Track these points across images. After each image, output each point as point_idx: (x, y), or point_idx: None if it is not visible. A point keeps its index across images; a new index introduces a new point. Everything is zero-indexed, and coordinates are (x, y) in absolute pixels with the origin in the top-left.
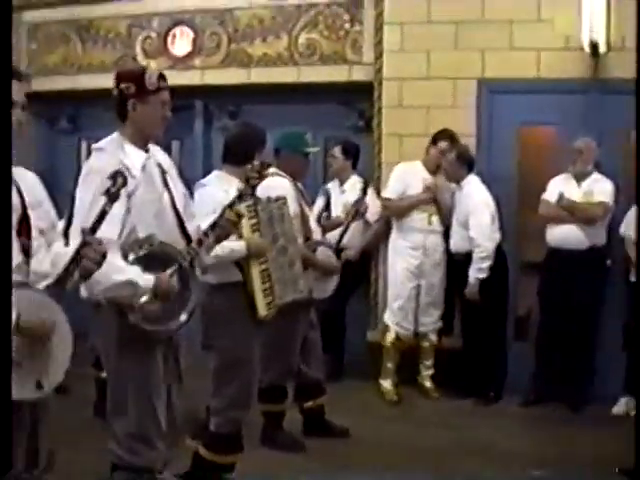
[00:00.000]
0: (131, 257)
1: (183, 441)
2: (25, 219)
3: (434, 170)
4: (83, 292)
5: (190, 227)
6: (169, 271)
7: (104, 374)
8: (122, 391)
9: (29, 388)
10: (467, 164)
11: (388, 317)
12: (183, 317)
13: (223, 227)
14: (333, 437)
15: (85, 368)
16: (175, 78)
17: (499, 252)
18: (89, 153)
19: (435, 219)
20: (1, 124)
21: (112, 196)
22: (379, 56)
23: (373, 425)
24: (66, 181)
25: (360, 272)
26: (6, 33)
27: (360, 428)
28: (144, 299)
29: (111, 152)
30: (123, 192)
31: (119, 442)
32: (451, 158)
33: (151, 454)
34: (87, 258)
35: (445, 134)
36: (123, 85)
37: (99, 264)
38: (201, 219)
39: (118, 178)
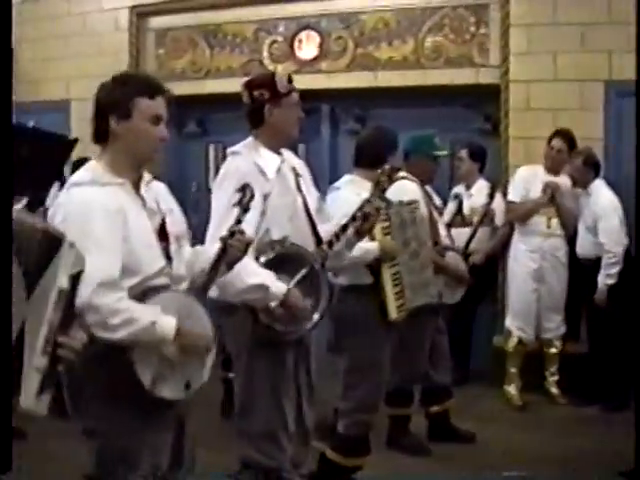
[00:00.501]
0: (264, 259)
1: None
2: (163, 224)
3: (555, 173)
4: (213, 293)
5: (322, 230)
6: (296, 278)
7: (232, 374)
8: (252, 391)
9: (179, 389)
10: (594, 169)
11: (510, 321)
12: (315, 318)
13: (363, 218)
14: (458, 442)
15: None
16: (301, 82)
17: (627, 256)
18: (217, 156)
19: (554, 222)
20: (1, 124)
21: (244, 207)
22: (505, 58)
23: (498, 431)
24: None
25: (487, 277)
26: (6, 33)
27: (485, 434)
28: (273, 304)
29: (246, 156)
30: (258, 195)
31: (248, 442)
32: (577, 163)
33: (280, 455)
34: (233, 247)
35: (559, 133)
36: (256, 92)
37: (244, 252)
38: (335, 222)
39: (247, 190)
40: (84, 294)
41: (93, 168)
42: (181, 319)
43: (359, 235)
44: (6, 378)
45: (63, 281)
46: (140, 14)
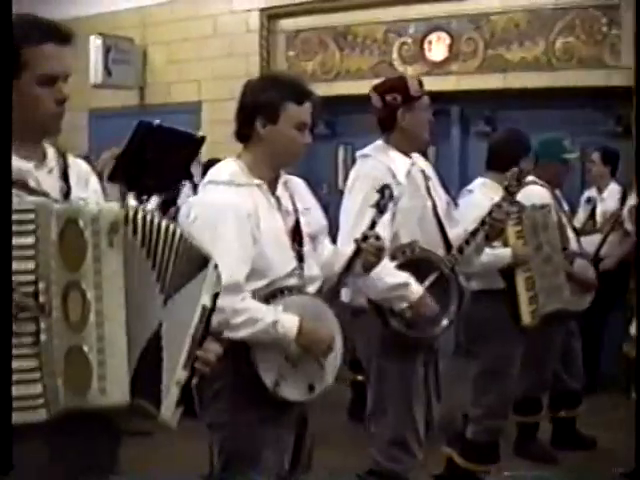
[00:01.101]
0: (394, 262)
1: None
2: (297, 225)
3: None
4: (345, 296)
5: (451, 235)
6: (426, 282)
7: (360, 377)
8: (383, 396)
9: (301, 390)
10: None
11: (634, 328)
12: (444, 323)
13: (491, 225)
14: (582, 449)
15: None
16: (431, 84)
17: None
18: (346, 158)
19: None
20: (1, 124)
21: (381, 208)
22: (638, 60)
23: (625, 440)
24: (323, 188)
25: (619, 283)
26: (6, 33)
27: (611, 443)
28: (404, 305)
29: (377, 158)
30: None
31: (378, 447)
32: None
33: (409, 461)
34: (368, 252)
35: None
36: (388, 96)
37: (378, 257)
38: (467, 224)
39: (386, 191)
40: None
41: (232, 167)
42: (305, 319)
43: (489, 241)
44: (6, 378)
45: (207, 300)
46: (271, 16)
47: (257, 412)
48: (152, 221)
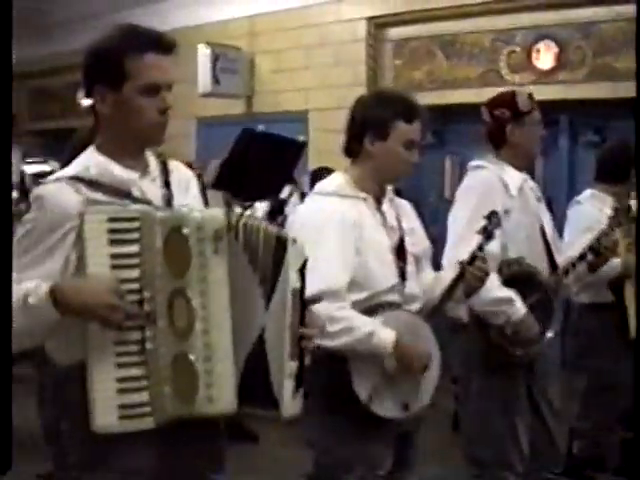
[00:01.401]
0: (499, 276)
1: None
2: (401, 243)
3: None
4: (452, 311)
5: (557, 255)
6: (529, 301)
7: None
8: (484, 415)
9: (395, 408)
10: None
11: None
12: (548, 336)
13: (599, 254)
14: None
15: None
16: (540, 93)
17: None
18: (453, 168)
19: None
20: (1, 125)
21: (488, 234)
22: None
23: None
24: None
25: None
26: (6, 33)
27: None
28: (503, 321)
29: (490, 169)
30: (500, 210)
31: (481, 465)
32: None
33: None
34: (473, 276)
35: None
36: (497, 111)
37: (483, 282)
38: (575, 236)
39: (493, 218)
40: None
41: (338, 180)
42: (402, 335)
43: (592, 270)
44: (6, 378)
45: (294, 279)
46: (378, 25)
47: (350, 427)
48: (253, 226)
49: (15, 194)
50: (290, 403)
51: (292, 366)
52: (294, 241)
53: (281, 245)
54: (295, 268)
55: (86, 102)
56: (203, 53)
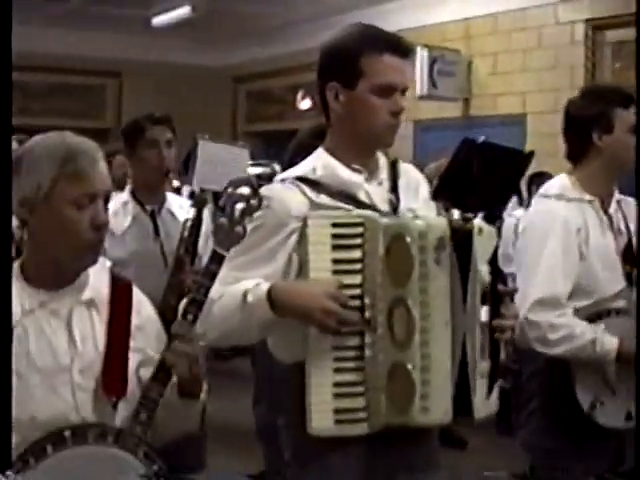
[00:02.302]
0: None
1: None
2: (629, 246)
3: None
4: None
5: None
6: None
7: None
8: None
9: (618, 418)
10: None
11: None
12: None
13: None
14: None
15: None
16: None
17: None
18: None
19: None
20: (1, 125)
21: None
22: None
23: None
24: None
25: None
26: (6, 33)
27: None
28: None
29: None
30: None
31: None
32: None
33: None
34: None
35: None
36: None
37: None
38: None
39: None
40: (522, 309)
41: (563, 182)
42: (626, 342)
43: None
44: (6, 378)
45: (484, 271)
46: (596, 27)
47: (569, 437)
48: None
49: (247, 190)
50: (482, 404)
51: (485, 366)
52: (480, 230)
53: (468, 238)
54: (484, 260)
55: (305, 105)
56: (421, 56)
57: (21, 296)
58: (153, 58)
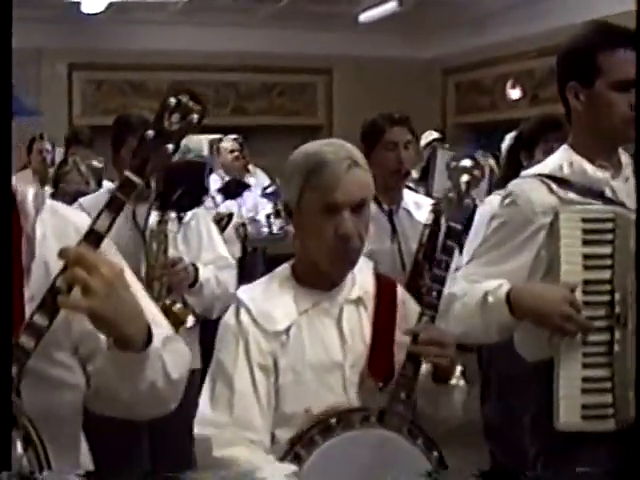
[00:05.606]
0: None
1: None
2: None
3: None
4: None
5: None
6: None
7: None
8: None
9: None
10: None
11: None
12: None
13: None
14: None
15: None
16: None
17: None
18: None
19: None
20: (1, 126)
21: None
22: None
23: None
24: None
25: None
26: (6, 33)
27: None
28: None
29: None
30: None
31: None
32: None
33: None
34: None
35: None
36: None
37: None
38: None
39: None
40: None
41: None
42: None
43: None
44: (6, 378)
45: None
46: None
47: None
48: None
49: (469, 162)
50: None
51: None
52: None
53: None
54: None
55: (515, 94)
56: None
57: (295, 297)
58: (362, 53)
